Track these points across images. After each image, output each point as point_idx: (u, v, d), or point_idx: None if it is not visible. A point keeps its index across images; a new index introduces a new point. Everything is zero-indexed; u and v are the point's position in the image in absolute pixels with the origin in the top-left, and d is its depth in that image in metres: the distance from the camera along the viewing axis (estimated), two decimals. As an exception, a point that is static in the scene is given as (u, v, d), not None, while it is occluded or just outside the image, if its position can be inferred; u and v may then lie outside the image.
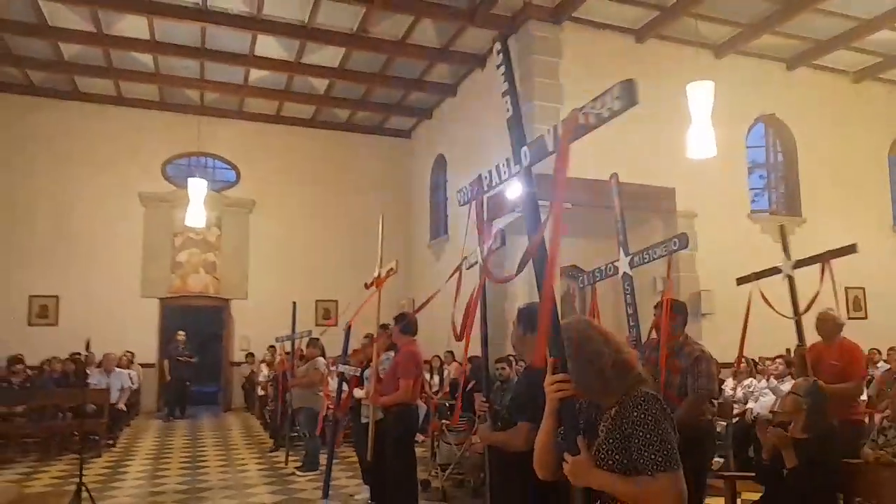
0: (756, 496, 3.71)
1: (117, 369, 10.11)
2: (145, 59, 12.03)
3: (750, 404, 6.78)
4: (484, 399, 3.00)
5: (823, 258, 5.12)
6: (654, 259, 4.11)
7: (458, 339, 3.31)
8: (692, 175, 9.95)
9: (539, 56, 10.06)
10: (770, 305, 4.78)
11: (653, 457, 1.70)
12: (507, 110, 2.40)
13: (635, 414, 1.77)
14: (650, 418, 1.75)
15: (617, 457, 1.78)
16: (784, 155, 12.29)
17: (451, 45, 11.29)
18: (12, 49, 11.47)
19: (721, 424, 6.49)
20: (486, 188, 2.87)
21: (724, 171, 10.77)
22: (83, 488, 4.61)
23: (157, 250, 13.87)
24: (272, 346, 12.78)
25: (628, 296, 4.21)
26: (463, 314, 3.26)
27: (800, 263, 5.40)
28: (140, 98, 13.75)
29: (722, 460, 6.65)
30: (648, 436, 1.73)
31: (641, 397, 1.81)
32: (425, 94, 13.66)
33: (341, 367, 6.37)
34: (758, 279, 5.93)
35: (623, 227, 4.09)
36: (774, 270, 5.49)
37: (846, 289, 11.84)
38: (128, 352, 12.18)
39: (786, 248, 5.63)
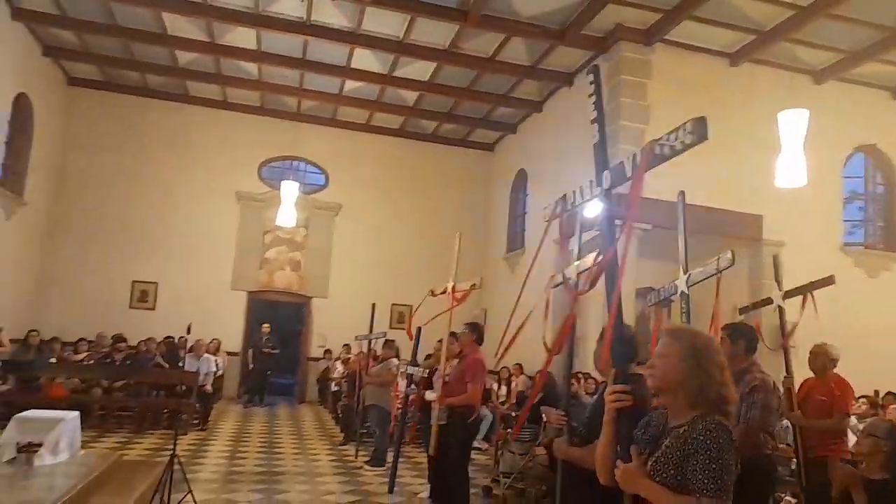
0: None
1: (206, 355, 10.81)
2: (250, 68, 12.85)
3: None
4: (563, 413, 3.06)
5: (805, 290, 5.10)
6: (707, 277, 4.05)
7: (556, 352, 3.41)
8: (782, 202, 9.66)
9: (627, 77, 10.06)
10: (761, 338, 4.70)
11: (705, 481, 1.76)
12: (595, 136, 2.59)
13: (702, 437, 1.82)
14: (714, 445, 1.79)
15: (672, 471, 1.84)
16: (885, 187, 11.71)
17: (540, 62, 11.45)
18: (135, 55, 12.53)
19: (794, 460, 6.30)
20: (570, 206, 3.04)
21: (817, 200, 10.39)
22: (176, 459, 5.07)
23: (248, 246, 14.70)
24: (347, 345, 13.31)
25: (685, 315, 4.13)
26: (560, 329, 3.40)
27: (787, 294, 5.32)
28: (242, 103, 14.66)
29: (794, 500, 6.44)
30: (707, 461, 1.78)
31: (714, 423, 1.85)
32: (511, 110, 13.88)
33: (410, 369, 6.67)
34: (755, 309, 5.95)
35: (685, 246, 4.07)
36: (767, 301, 5.64)
37: None
38: (215, 339, 12.94)
39: (778, 279, 5.58)
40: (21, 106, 11.70)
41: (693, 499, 1.77)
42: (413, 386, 6.88)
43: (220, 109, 14.67)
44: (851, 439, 5.48)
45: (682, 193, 4.39)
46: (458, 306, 6.65)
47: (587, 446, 2.81)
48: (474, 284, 6.42)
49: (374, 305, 9.18)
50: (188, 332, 5.74)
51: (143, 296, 13.95)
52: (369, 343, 8.81)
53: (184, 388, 9.05)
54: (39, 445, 5.07)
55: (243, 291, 14.65)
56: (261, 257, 14.84)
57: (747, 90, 10.33)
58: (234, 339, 14.13)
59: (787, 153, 6.81)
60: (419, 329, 7.08)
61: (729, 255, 3.91)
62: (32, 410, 5.53)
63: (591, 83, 2.68)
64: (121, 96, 14.10)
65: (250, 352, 13.62)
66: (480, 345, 6.03)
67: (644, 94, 10.09)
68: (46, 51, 12.31)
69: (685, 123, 2.21)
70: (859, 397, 7.96)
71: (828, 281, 5.13)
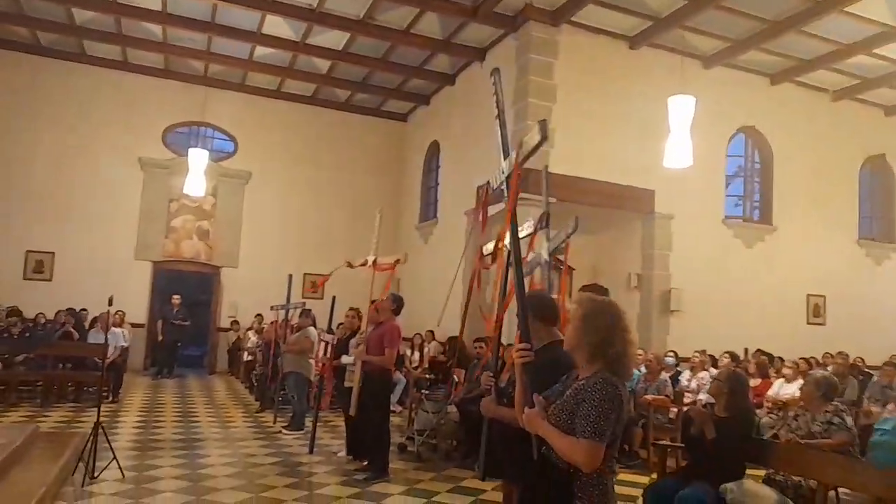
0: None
1: (114, 328, 10.55)
2: (154, 29, 12.34)
3: (701, 395, 7.42)
4: (491, 375, 3.21)
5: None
6: (561, 243, 4.35)
7: (499, 322, 3.63)
8: (672, 179, 10.52)
9: (536, 56, 10.53)
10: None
11: (585, 425, 2.06)
12: (497, 133, 2.92)
13: (590, 389, 2.11)
14: (598, 396, 2.08)
15: (564, 416, 2.15)
16: (761, 166, 12.93)
17: (453, 37, 11.72)
18: (25, 10, 11.73)
19: (673, 410, 7.12)
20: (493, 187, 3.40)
21: (703, 177, 11.38)
22: (101, 429, 5.14)
23: (152, 215, 14.25)
24: (259, 315, 13.31)
25: (545, 280, 4.49)
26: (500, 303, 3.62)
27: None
28: (145, 65, 14.05)
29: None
30: (590, 409, 2.07)
31: (602, 378, 2.13)
32: (424, 82, 14.10)
33: (325, 336, 7.02)
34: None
35: (547, 215, 4.30)
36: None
37: (808, 296, 12.59)
38: (119, 311, 12.59)
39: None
40: None
41: (574, 439, 2.08)
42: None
43: (120, 71, 14.02)
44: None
45: (546, 167, 4.81)
46: (381, 277, 6.95)
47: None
48: (398, 259, 6.76)
49: (290, 276, 9.32)
50: (110, 303, 5.72)
51: (39, 266, 13.30)
52: (287, 312, 8.97)
53: (97, 360, 8.89)
54: (-50, 419, 4.98)
55: (148, 261, 14.25)
56: (166, 226, 14.44)
57: (644, 73, 11.08)
58: (139, 310, 13.77)
59: (675, 136, 7.49)
60: (333, 298, 7.36)
61: (573, 222, 4.25)
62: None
63: (492, 84, 2.94)
64: (9, 53, 13.16)
65: (159, 323, 13.35)
66: (398, 314, 6.40)
67: (551, 74, 10.62)
68: (-80, 0, 11.33)
69: (533, 127, 2.67)
70: (724, 353, 9.06)
71: None
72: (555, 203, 9.69)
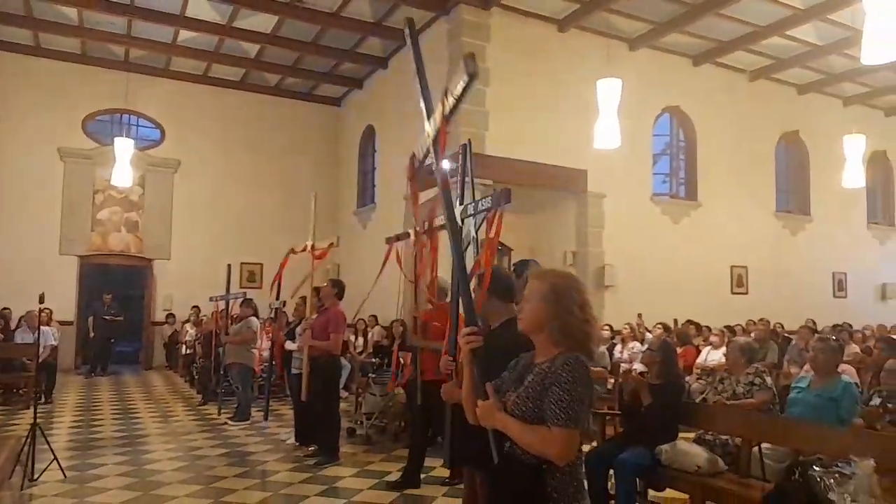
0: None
1: (43, 327, 10.10)
2: (68, 12, 11.74)
3: (635, 364, 7.79)
4: (451, 359, 3.13)
5: None
6: (479, 212, 4.10)
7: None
8: (603, 158, 10.85)
9: (467, 39, 10.62)
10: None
11: (557, 411, 1.81)
12: (418, 89, 2.56)
13: (559, 371, 1.86)
14: (570, 378, 1.83)
15: (530, 405, 1.88)
16: (685, 144, 13.50)
17: (384, 19, 11.65)
18: (-77, -9, 10.96)
19: (611, 381, 7.47)
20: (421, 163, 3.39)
21: (632, 156, 11.80)
22: (38, 429, 4.99)
23: (76, 207, 13.65)
24: (196, 307, 13.02)
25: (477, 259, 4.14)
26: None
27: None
28: (60, 50, 13.35)
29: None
30: (561, 393, 1.82)
31: (572, 358, 1.89)
32: (356, 65, 13.97)
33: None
34: None
35: (462, 186, 4.27)
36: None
37: (731, 267, 13.30)
38: (46, 308, 12.03)
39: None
40: None
41: (545, 428, 1.83)
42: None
43: (32, 56, 13.26)
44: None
45: (467, 143, 4.43)
46: (318, 263, 7.00)
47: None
48: (332, 243, 6.86)
49: (229, 266, 9.16)
50: (41, 301, 5.51)
51: (-45, 264, 12.54)
52: (227, 303, 8.84)
53: (27, 360, 8.53)
54: None
55: (74, 256, 13.67)
56: (92, 219, 13.86)
57: (574, 55, 11.35)
58: (66, 307, 13.20)
59: (603, 118, 7.75)
60: (279, 284, 7.35)
61: (504, 194, 4.12)
62: None
63: (406, 36, 2.67)
64: None
65: (90, 319, 12.86)
66: (341, 299, 6.44)
67: (483, 57, 10.69)
68: None
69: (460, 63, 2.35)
70: (655, 325, 9.53)
71: None
72: (490, 185, 9.93)
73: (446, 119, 2.50)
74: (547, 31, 11.33)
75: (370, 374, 7.59)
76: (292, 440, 6.76)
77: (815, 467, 3.42)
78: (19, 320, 10.59)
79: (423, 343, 5.23)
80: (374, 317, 11.51)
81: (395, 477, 5.38)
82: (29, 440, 4.99)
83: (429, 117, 2.54)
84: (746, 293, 13.35)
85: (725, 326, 9.73)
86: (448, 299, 5.26)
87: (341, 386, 9.46)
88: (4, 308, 11.61)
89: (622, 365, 7.97)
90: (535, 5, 10.91)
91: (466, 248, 4.82)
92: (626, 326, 9.27)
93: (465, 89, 2.33)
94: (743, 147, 13.51)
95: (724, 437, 4.30)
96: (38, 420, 5.22)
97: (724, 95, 13.30)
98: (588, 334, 1.98)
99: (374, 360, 8.49)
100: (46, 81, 13.38)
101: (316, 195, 7.12)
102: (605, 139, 7.92)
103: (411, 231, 5.90)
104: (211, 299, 9.94)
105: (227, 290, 8.90)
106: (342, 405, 8.25)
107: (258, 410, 8.41)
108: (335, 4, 11.18)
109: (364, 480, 5.47)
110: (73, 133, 13.76)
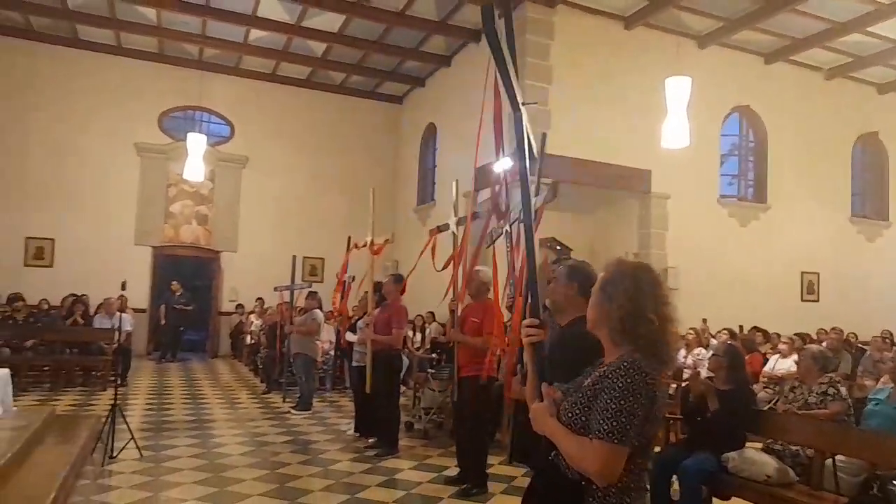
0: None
1: (119, 313, 10.63)
2: (148, 13, 12.29)
3: (700, 370, 7.61)
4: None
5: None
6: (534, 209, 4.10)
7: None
8: (668, 159, 10.62)
9: (531, 37, 10.58)
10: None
11: (601, 422, 1.60)
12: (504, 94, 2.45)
13: (610, 376, 1.65)
14: (619, 384, 1.62)
15: (577, 412, 1.70)
16: (755, 144, 13.06)
17: (448, 18, 11.73)
18: (17, -6, 11.66)
19: (672, 386, 7.31)
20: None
21: (698, 156, 11.50)
22: (118, 410, 5.28)
23: (151, 200, 14.28)
24: (260, 298, 13.43)
25: (509, 251, 4.23)
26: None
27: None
28: (139, 49, 13.99)
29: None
30: (608, 401, 1.61)
31: (628, 364, 1.65)
32: (420, 63, 14.11)
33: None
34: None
35: (506, 189, 4.22)
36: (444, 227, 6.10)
37: (802, 273, 12.80)
38: (122, 296, 12.64)
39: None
40: None
41: (587, 440, 1.63)
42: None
43: (114, 56, 13.94)
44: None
45: (544, 135, 4.30)
46: (375, 259, 7.15)
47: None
48: (388, 239, 7.03)
49: (294, 257, 9.42)
50: (123, 288, 5.83)
51: (39, 252, 13.32)
52: (291, 294, 9.09)
53: (105, 345, 9.01)
54: (-28, 403, 5.09)
55: (147, 247, 14.30)
56: (165, 211, 14.48)
57: (640, 53, 11.14)
58: (140, 295, 13.82)
59: (672, 117, 7.59)
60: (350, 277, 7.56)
61: (550, 189, 4.17)
62: (-39, 369, 5.48)
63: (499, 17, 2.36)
64: (3, 39, 13.07)
65: (162, 308, 13.44)
66: (402, 294, 6.54)
67: (547, 55, 10.67)
68: None
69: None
70: (721, 329, 9.27)
71: None
72: (551, 184, 9.87)
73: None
74: (612, 28, 11.17)
75: (428, 370, 7.67)
76: (352, 431, 6.91)
77: (894, 482, 3.28)
78: (98, 307, 11.17)
79: (460, 338, 5.27)
80: (432, 313, 11.62)
81: (452, 472, 5.43)
82: (109, 420, 5.27)
83: (517, 108, 2.36)
84: (817, 300, 12.82)
85: (796, 334, 9.38)
86: (489, 295, 5.32)
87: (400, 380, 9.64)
88: (82, 294, 12.25)
89: (686, 371, 7.80)
90: (602, 2, 10.78)
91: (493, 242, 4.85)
92: (691, 332, 9.05)
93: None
94: (816, 148, 12.97)
95: (794, 447, 4.17)
96: (105, 404, 5.50)
97: (798, 94, 12.80)
98: (658, 335, 1.70)
99: (432, 355, 8.57)
100: (126, 79, 14.03)
101: (374, 191, 7.26)
102: (674, 139, 7.76)
103: (451, 222, 5.99)
104: (275, 289, 10.23)
105: (293, 280, 9.15)
106: (401, 399, 8.40)
107: (319, 401, 8.63)
108: (400, 4, 11.32)
109: (423, 474, 5.54)
110: (150, 129, 14.39)
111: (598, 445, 1.59)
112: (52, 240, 13.40)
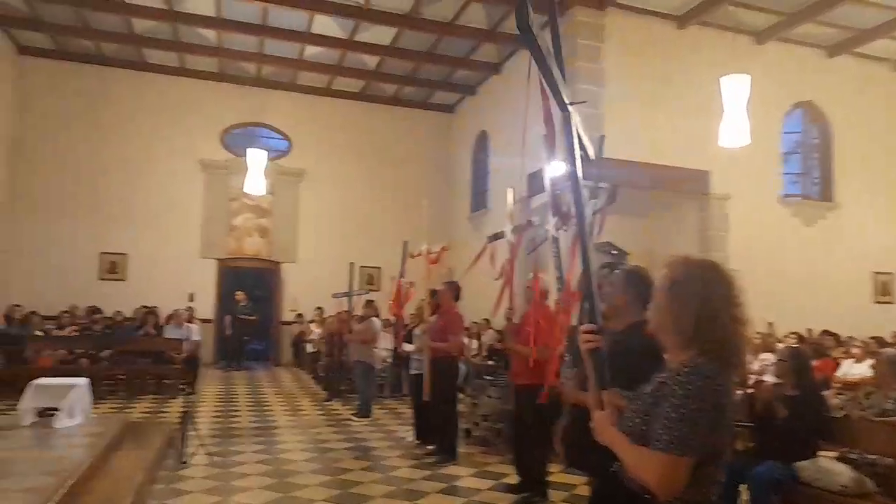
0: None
1: (187, 324, 11.10)
2: (208, 34, 12.80)
3: (766, 376, 7.37)
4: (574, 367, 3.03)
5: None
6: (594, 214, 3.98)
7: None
8: (727, 159, 10.34)
9: (582, 41, 10.51)
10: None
11: (661, 431, 1.52)
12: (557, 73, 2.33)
13: (671, 381, 1.57)
14: (682, 391, 1.53)
15: (637, 420, 1.63)
16: (819, 141, 12.58)
17: (498, 26, 11.78)
18: (90, 22, 12.32)
19: (738, 393, 7.10)
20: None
21: (759, 155, 11.14)
22: (189, 418, 5.52)
23: (215, 214, 14.83)
24: (320, 308, 13.73)
25: (556, 258, 4.11)
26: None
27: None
28: (201, 70, 14.57)
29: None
30: (669, 409, 1.52)
31: (691, 369, 1.57)
32: (471, 72, 14.21)
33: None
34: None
35: (553, 193, 4.11)
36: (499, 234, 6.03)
37: (874, 273, 12.23)
38: (189, 307, 13.18)
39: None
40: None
41: (646, 450, 1.55)
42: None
43: (178, 77, 14.57)
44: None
45: (601, 138, 4.22)
46: (432, 268, 7.24)
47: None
48: (444, 247, 7.11)
49: (351, 265, 9.60)
50: (191, 299, 6.12)
51: (113, 267, 13.99)
52: (350, 300, 9.26)
53: (175, 354, 9.41)
54: (56, 410, 5.42)
55: (212, 259, 14.82)
56: (228, 224, 15.00)
57: (694, 52, 10.92)
58: (205, 306, 14.35)
59: (730, 115, 7.41)
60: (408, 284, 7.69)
61: (608, 192, 4.13)
62: (46, 378, 5.84)
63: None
64: (76, 65, 13.85)
65: (227, 318, 13.92)
66: (457, 301, 6.60)
67: (599, 58, 10.58)
68: (-5, 19, 12.03)
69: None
70: (789, 333, 8.94)
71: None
72: (606, 188, 9.75)
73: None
74: (665, 29, 10.99)
75: (486, 377, 7.68)
76: (412, 438, 6.99)
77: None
78: (167, 318, 11.65)
79: (512, 347, 5.27)
80: (487, 320, 11.63)
81: (513, 481, 5.42)
82: (181, 427, 5.50)
83: (564, 108, 2.31)
84: (892, 302, 12.22)
85: (872, 337, 8.97)
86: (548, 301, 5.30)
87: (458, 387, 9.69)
88: (153, 306, 12.80)
89: (751, 376, 7.56)
90: (653, 3, 10.63)
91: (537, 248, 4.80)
92: (757, 336, 8.76)
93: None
94: (888, 143, 12.40)
95: (871, 456, 4.00)
96: (176, 412, 5.74)
97: (864, 88, 12.28)
98: (724, 338, 1.59)
99: (489, 362, 8.59)
100: (189, 98, 14.64)
101: (427, 201, 7.39)
102: (733, 137, 7.56)
103: (507, 230, 6.01)
104: (334, 296, 10.44)
105: (350, 286, 9.33)
106: (459, 407, 8.44)
107: (379, 408, 8.76)
108: (450, 13, 11.45)
109: (482, 481, 5.56)
110: (212, 145, 14.95)
111: (658, 456, 1.51)
112: (124, 254, 14.07)
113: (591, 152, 4.14)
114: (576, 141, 2.42)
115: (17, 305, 10.70)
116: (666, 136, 10.60)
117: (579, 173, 2.22)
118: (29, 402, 5.44)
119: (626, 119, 10.31)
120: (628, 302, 2.78)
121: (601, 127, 10.31)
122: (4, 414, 7.05)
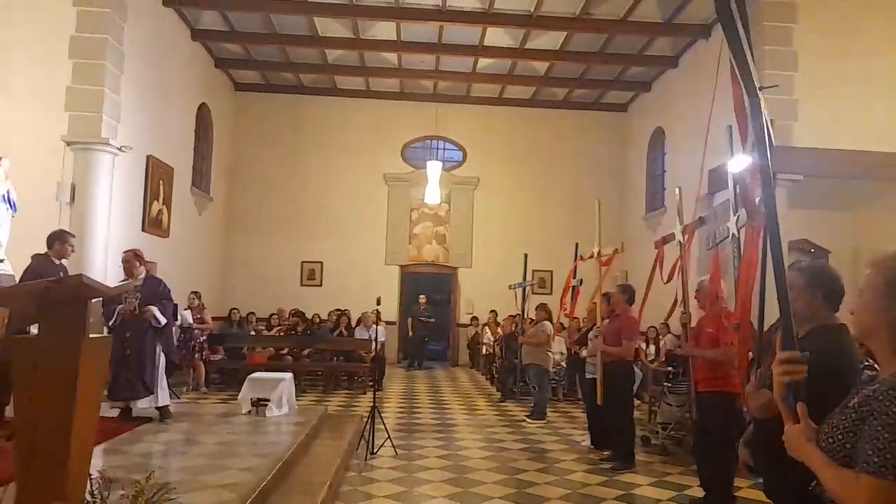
0: None
1: (375, 325, 11.98)
2: (390, 57, 13.75)
3: None
4: (758, 368, 2.83)
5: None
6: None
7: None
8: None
9: (770, 23, 9.72)
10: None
11: (869, 453, 1.35)
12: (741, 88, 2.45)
13: (881, 397, 1.39)
14: (893, 408, 1.35)
15: (839, 437, 1.46)
16: None
17: (674, 17, 11.30)
18: (290, 58, 13.85)
19: None
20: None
21: None
22: (377, 412, 6.06)
23: (397, 223, 15.87)
24: (493, 311, 14.09)
25: (735, 259, 3.76)
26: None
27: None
28: (384, 90, 15.69)
29: None
30: (880, 429, 1.35)
31: None
32: (645, 68, 13.75)
33: None
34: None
35: (734, 185, 3.85)
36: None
37: None
38: (376, 310, 14.14)
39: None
40: (202, 114, 13.40)
41: (852, 473, 1.39)
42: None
43: (364, 98, 15.81)
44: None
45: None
46: (605, 270, 7.16)
47: None
48: (616, 250, 7.00)
49: (525, 255, 9.75)
50: (378, 303, 6.71)
51: (312, 274, 15.54)
52: (524, 292, 9.41)
53: (365, 353, 10.27)
54: (268, 401, 6.22)
55: (396, 266, 15.86)
56: (409, 233, 15.96)
57: (899, 21, 9.61)
58: (390, 309, 15.33)
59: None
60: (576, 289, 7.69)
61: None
62: (259, 372, 6.73)
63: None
64: (279, 96, 15.60)
65: (409, 320, 14.83)
66: (631, 304, 6.47)
67: (790, 40, 9.71)
68: (218, 63, 13.93)
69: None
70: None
71: None
72: (800, 180, 8.93)
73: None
74: (861, 3, 9.79)
75: (665, 384, 7.41)
76: (587, 443, 6.96)
77: None
78: (357, 320, 12.69)
79: (694, 352, 5.02)
80: (666, 325, 11.15)
81: (697, 493, 5.19)
82: (369, 420, 6.02)
83: (753, 93, 2.28)
84: None
85: None
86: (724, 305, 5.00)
87: (633, 393, 9.44)
88: (345, 309, 14.00)
89: None
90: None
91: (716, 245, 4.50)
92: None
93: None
94: None
95: None
96: (364, 406, 6.26)
97: None
98: None
99: (668, 368, 8.25)
100: (373, 118, 15.82)
101: (599, 202, 7.29)
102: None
103: (677, 231, 5.77)
104: (509, 287, 10.65)
105: (524, 277, 9.47)
106: (635, 413, 8.24)
107: (552, 411, 8.81)
108: (622, 11, 11.19)
109: (662, 491, 5.40)
110: (394, 160, 16.02)
111: (867, 481, 1.33)
112: (321, 262, 15.56)
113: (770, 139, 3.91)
114: (767, 128, 2.33)
115: (236, 309, 12.32)
116: (869, 120, 9.44)
117: (770, 163, 2.13)
118: (246, 393, 6.30)
119: (822, 104, 9.35)
120: (816, 306, 2.42)
121: (795, 114, 9.50)
122: (227, 403, 8.20)
